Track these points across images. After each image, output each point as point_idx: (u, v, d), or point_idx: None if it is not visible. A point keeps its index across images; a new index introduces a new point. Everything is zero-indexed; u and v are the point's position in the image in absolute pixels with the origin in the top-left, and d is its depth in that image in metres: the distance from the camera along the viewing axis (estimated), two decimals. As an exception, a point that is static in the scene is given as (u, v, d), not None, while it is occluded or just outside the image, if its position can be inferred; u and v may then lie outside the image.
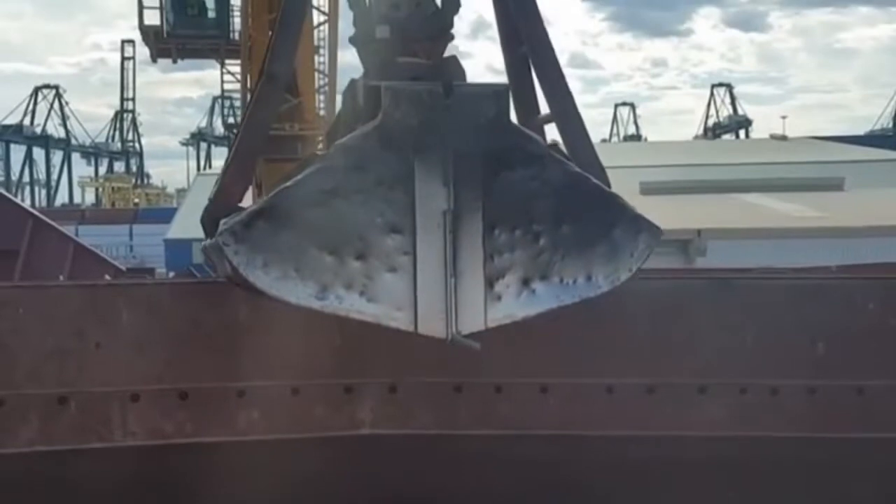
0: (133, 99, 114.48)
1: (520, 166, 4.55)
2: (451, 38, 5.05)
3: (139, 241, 52.35)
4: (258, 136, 5.09)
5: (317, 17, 20.18)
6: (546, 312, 4.76)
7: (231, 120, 25.10)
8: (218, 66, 24.39)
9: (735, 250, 20.47)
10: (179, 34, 23.51)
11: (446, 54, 5.06)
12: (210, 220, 4.98)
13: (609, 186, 4.97)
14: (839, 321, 6.23)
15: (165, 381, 5.93)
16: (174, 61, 24.75)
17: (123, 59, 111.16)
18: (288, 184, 4.41)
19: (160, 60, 25.32)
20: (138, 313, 6.03)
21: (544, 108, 5.41)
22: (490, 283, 4.53)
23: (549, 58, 5.08)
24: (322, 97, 21.10)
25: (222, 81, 24.36)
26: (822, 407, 6.18)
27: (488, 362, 6.02)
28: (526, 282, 4.60)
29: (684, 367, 6.17)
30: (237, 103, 25.52)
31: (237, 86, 23.20)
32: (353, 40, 5.21)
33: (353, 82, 5.08)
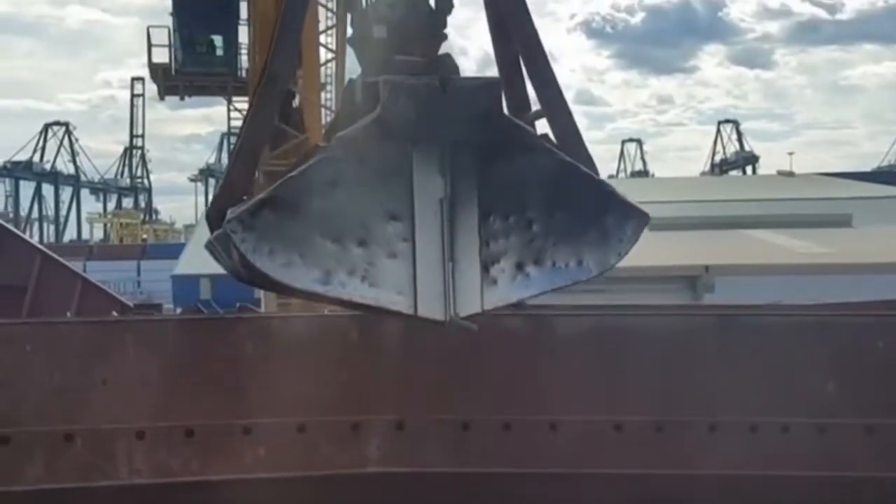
0: (142, 135, 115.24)
1: (513, 155, 4.72)
2: (445, 37, 5.19)
3: (147, 276, 52.46)
4: (262, 133, 5.24)
5: (324, 55, 20.34)
6: (539, 295, 4.92)
7: None
8: (225, 102, 24.55)
9: (743, 286, 20.36)
10: (188, 72, 23.69)
11: (441, 53, 5.21)
12: (215, 214, 5.09)
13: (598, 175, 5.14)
14: (848, 359, 6.20)
15: (171, 417, 5.90)
16: (181, 98, 24.93)
17: (133, 96, 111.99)
18: (292, 174, 4.55)
19: (169, 98, 25.52)
20: (145, 350, 6.02)
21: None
22: (486, 267, 4.68)
23: (539, 55, 5.22)
24: None
25: (229, 118, 24.53)
26: (832, 446, 6.13)
27: (497, 399, 5.99)
28: (520, 266, 4.75)
29: (694, 404, 6.13)
30: None
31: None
32: (351, 41, 5.34)
33: (351, 82, 5.21)
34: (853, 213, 32.45)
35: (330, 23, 20.12)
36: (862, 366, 6.19)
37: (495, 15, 5.39)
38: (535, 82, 5.26)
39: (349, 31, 5.38)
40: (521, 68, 5.35)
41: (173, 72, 23.52)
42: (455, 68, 5.08)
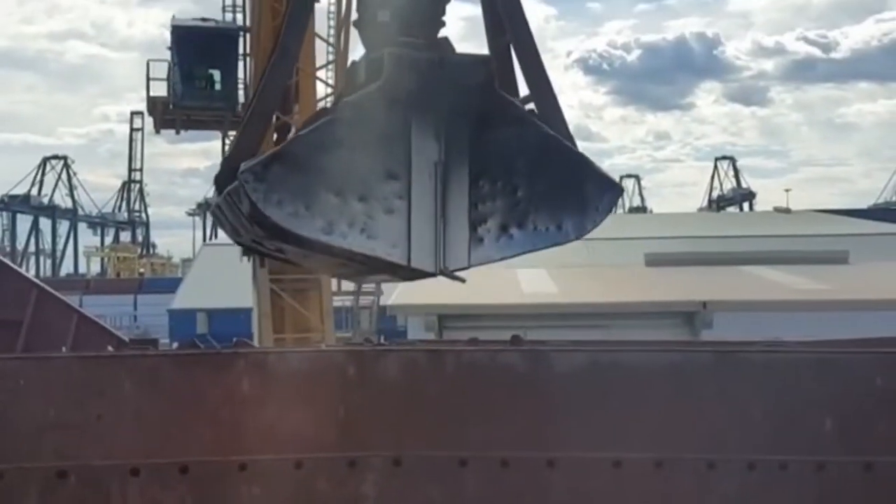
0: (141, 169, 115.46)
1: (502, 126, 5.15)
2: (443, 23, 5.52)
3: (143, 311, 52.37)
4: (272, 100, 5.65)
5: (322, 90, 20.45)
6: (521, 254, 5.32)
7: None
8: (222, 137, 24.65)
9: (741, 322, 20.37)
10: (187, 105, 23.77)
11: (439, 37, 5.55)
12: (225, 175, 5.41)
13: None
14: (846, 395, 6.18)
15: (166, 454, 5.86)
16: (177, 132, 25.03)
17: (132, 130, 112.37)
18: (301, 132, 5.00)
19: (167, 132, 25.60)
20: (140, 385, 5.99)
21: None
22: (473, 227, 5.12)
23: (529, 45, 5.58)
24: None
25: (224, 153, 24.67)
26: (830, 483, 6.09)
27: (494, 435, 5.95)
28: (504, 228, 5.19)
29: (692, 441, 6.10)
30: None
31: None
32: (356, 24, 5.67)
33: (354, 63, 5.59)
34: (850, 249, 32.58)
35: (330, 57, 20.28)
36: (860, 403, 6.17)
37: (490, 8, 5.71)
38: (526, 71, 5.58)
39: (354, 14, 5.72)
40: (511, 57, 5.63)
41: (171, 105, 23.63)
42: (452, 50, 5.39)
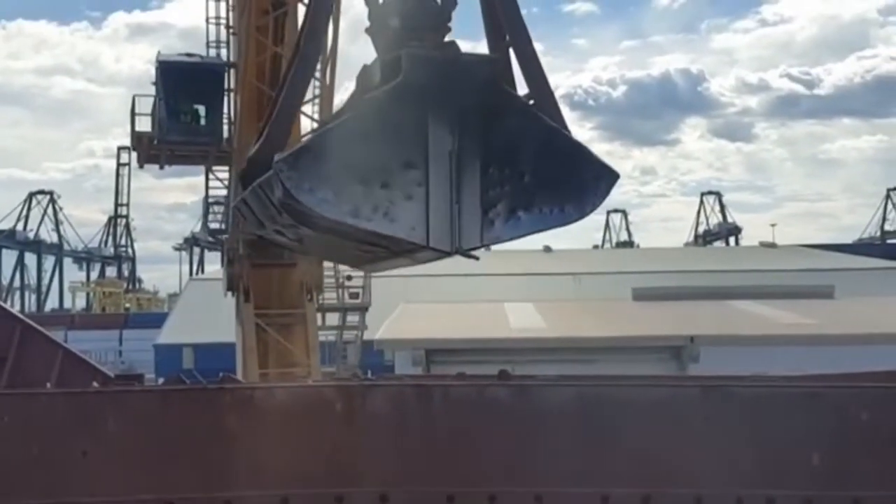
0: (127, 204, 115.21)
1: (508, 119, 5.64)
2: (450, 29, 5.94)
3: (129, 346, 52.06)
4: (296, 99, 6.19)
5: (308, 125, 20.55)
6: (528, 234, 5.78)
7: (214, 225, 25.17)
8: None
9: (728, 357, 20.39)
10: (172, 140, 23.73)
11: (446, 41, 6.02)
12: (254, 168, 5.92)
13: None
14: (833, 430, 6.19)
15: (152, 490, 5.82)
16: (161, 167, 25.06)
17: (119, 164, 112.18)
18: (328, 126, 5.58)
19: (153, 167, 25.55)
20: (125, 421, 5.96)
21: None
22: (485, 210, 5.58)
23: (528, 48, 6.04)
24: None
25: (207, 186, 24.70)
26: (819, 518, 6.08)
27: (482, 471, 5.93)
28: (512, 210, 5.65)
29: (680, 476, 6.09)
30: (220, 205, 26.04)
31: (223, 191, 23.64)
32: (368, 31, 6.11)
33: (366, 67, 6.01)
34: (835, 284, 32.73)
35: (316, 92, 20.41)
36: (847, 437, 6.18)
37: (490, 13, 6.16)
38: (525, 71, 6.05)
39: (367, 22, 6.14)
40: (509, 58, 6.07)
41: (156, 140, 23.59)
42: (459, 52, 5.84)
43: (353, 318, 27.40)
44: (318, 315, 20.51)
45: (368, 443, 6.00)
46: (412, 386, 6.98)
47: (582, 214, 5.84)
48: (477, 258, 5.68)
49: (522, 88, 6.04)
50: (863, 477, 6.12)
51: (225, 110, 22.83)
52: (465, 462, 6.03)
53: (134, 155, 25.66)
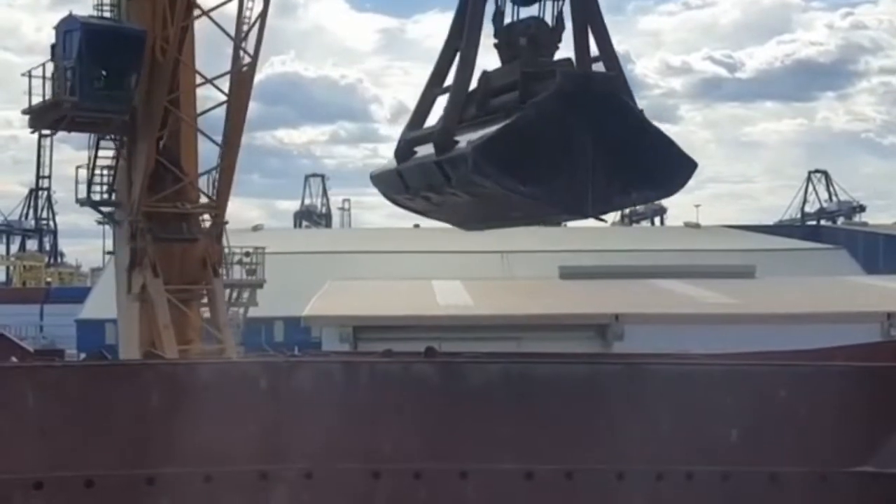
0: (49, 177, 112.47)
1: (626, 121, 7.50)
2: (559, 47, 7.95)
3: (50, 321, 50.91)
4: (461, 96, 7.82)
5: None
6: (636, 205, 9.88)
7: (97, 197, 24.62)
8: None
9: (652, 335, 20.73)
10: (88, 107, 22.80)
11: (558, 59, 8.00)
12: (442, 144, 7.65)
13: None
14: (752, 407, 6.33)
15: (71, 467, 5.72)
16: (53, 133, 24.47)
17: (40, 136, 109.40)
18: (507, 122, 7.29)
19: (77, 139, 24.77)
20: (45, 397, 5.84)
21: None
22: (608, 187, 7.41)
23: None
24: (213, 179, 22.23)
25: (96, 156, 24.25)
26: (735, 493, 6.23)
27: (407, 447, 5.96)
28: (626, 188, 7.57)
29: (603, 451, 6.19)
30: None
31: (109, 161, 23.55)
32: (497, 45, 8.05)
33: (486, 72, 8.01)
34: (756, 264, 33.47)
35: (247, 60, 20.66)
36: (765, 414, 6.33)
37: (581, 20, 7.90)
38: (598, 42, 7.81)
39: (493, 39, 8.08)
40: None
41: (66, 105, 22.57)
42: (572, 65, 7.78)
43: (244, 296, 26.89)
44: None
45: (293, 419, 5.98)
46: (339, 363, 6.97)
47: (672, 192, 7.90)
48: (606, 221, 8.24)
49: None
50: (780, 452, 6.28)
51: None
52: (390, 439, 6.05)
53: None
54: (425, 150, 7.98)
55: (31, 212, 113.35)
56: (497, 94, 7.90)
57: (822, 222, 68.43)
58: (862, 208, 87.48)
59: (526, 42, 7.81)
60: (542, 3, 8.00)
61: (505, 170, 7.15)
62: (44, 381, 6.00)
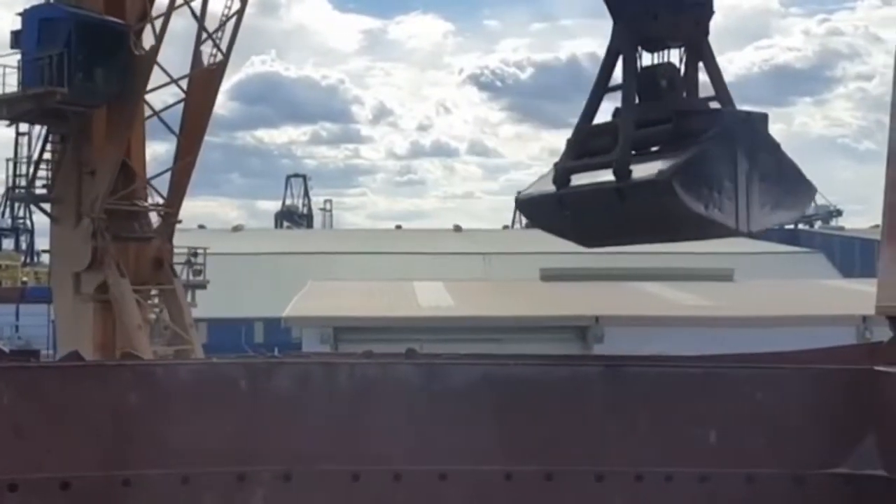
0: (27, 175, 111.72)
1: (770, 154, 8.82)
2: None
3: (26, 321, 50.55)
4: (632, 129, 8.98)
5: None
6: (780, 226, 9.38)
7: (42, 191, 24.68)
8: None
9: (632, 338, 20.84)
10: (72, 100, 22.59)
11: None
12: (621, 172, 8.71)
13: None
14: (729, 409, 6.36)
15: (46, 469, 5.66)
16: (11, 123, 24.52)
17: (18, 134, 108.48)
18: (694, 150, 8.48)
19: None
20: (20, 398, 5.78)
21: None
22: (760, 209, 8.68)
23: (716, 69, 9.15)
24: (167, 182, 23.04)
25: (43, 149, 24.17)
26: (713, 495, 6.26)
27: (386, 449, 5.94)
28: (771, 209, 8.81)
29: (582, 453, 6.20)
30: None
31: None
32: (621, 86, 9.36)
33: (618, 109, 9.32)
34: (735, 267, 33.67)
35: (220, 58, 20.98)
36: (743, 416, 6.36)
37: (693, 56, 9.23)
38: (713, 81, 9.17)
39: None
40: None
41: (55, 98, 22.31)
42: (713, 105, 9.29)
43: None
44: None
45: (272, 421, 5.95)
46: (318, 364, 6.94)
47: (802, 213, 11.48)
48: (759, 237, 9.63)
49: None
50: (757, 454, 6.32)
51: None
52: (370, 441, 6.03)
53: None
54: (579, 179, 9.16)
55: (8, 210, 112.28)
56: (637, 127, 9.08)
57: (800, 226, 68.91)
58: (839, 213, 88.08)
59: (666, 84, 9.17)
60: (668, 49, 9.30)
61: (691, 193, 8.30)
62: (19, 381, 5.94)
